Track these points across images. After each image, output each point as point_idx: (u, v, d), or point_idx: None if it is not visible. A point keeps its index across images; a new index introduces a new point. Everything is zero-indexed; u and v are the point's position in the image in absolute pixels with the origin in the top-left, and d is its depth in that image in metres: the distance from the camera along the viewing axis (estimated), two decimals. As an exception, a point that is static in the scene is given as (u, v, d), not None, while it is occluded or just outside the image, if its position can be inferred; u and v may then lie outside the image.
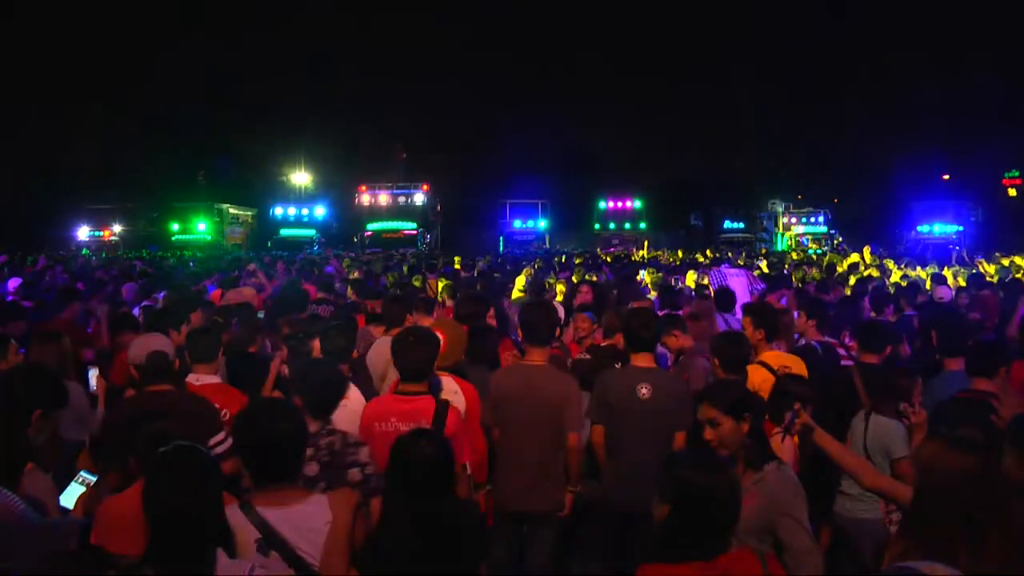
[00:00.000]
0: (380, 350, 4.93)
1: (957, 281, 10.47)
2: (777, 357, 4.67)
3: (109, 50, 39.80)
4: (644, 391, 3.99)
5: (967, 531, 2.16)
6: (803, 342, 5.51)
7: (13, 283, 9.92)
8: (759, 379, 4.33)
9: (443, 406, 3.52)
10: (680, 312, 6.38)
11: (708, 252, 21.64)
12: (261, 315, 6.64)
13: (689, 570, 2.17)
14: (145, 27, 41.64)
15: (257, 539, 2.31)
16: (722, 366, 4.13)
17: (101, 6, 41.33)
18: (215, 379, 3.95)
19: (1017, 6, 36.16)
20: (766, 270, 13.19)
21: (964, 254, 15.21)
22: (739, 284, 9.25)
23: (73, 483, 2.99)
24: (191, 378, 3.88)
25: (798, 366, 4.54)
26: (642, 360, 4.14)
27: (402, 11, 43.95)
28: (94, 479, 3.02)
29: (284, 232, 36.17)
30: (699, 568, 2.16)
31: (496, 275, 12.15)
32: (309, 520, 2.39)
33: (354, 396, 3.80)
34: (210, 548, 2.11)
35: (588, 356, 5.27)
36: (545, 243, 35.97)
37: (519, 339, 4.86)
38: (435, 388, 3.73)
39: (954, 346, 4.46)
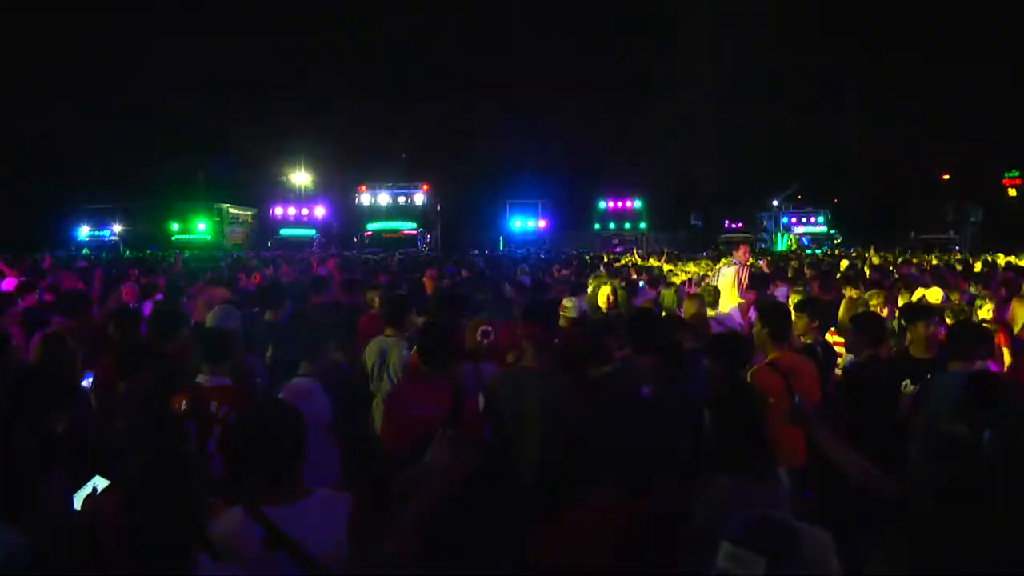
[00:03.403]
0: (371, 348, 4.98)
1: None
2: (788, 359, 4.47)
3: (109, 49, 39.81)
4: (648, 391, 3.98)
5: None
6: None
7: (9, 283, 9.85)
8: (767, 381, 4.19)
9: (460, 391, 3.51)
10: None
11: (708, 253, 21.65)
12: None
13: None
14: (145, 26, 41.71)
15: (261, 538, 2.30)
16: (720, 367, 4.08)
17: (101, 5, 41.38)
18: (225, 380, 3.89)
19: (1017, 5, 36.12)
20: (766, 269, 13.18)
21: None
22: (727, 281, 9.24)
23: (88, 484, 2.98)
24: (201, 379, 3.82)
25: (807, 368, 4.40)
26: (646, 361, 4.14)
27: (403, 11, 43.98)
28: (106, 483, 3.00)
29: (284, 232, 36.27)
30: None
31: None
32: (315, 517, 2.38)
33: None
34: (192, 551, 2.10)
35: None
36: (544, 243, 35.97)
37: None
38: (456, 374, 3.73)
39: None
